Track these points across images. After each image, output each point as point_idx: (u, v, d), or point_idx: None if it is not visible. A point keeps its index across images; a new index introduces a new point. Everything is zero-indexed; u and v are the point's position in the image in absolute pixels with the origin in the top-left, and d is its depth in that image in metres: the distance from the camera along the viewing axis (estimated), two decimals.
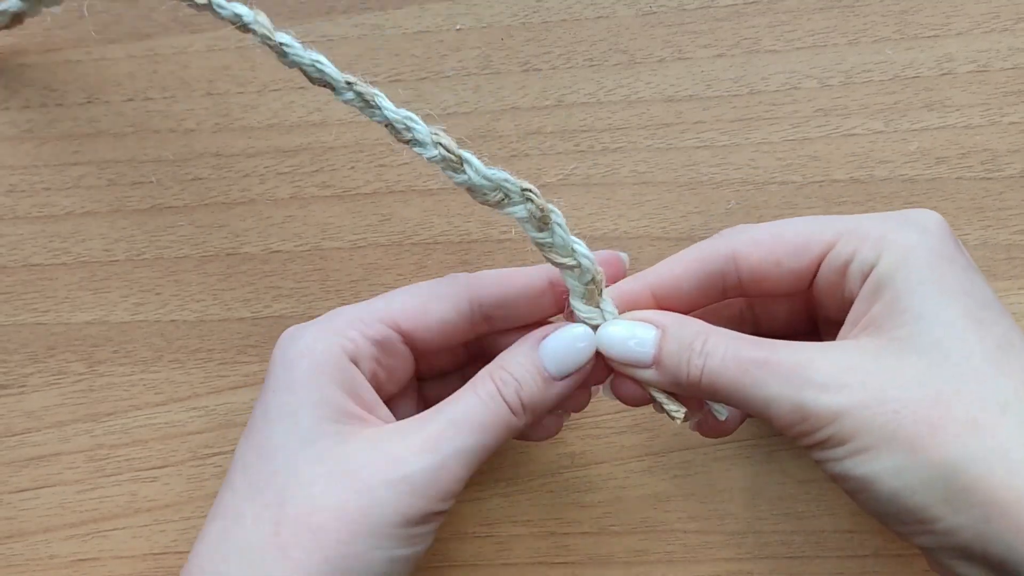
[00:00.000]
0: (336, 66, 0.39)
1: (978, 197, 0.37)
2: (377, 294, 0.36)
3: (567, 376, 0.29)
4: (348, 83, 0.28)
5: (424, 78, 0.39)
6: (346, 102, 0.28)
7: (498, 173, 0.27)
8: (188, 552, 0.37)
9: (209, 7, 0.29)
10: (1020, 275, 0.36)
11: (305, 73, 0.28)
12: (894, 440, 0.25)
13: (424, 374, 0.34)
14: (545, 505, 0.37)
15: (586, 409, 0.36)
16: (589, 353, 0.30)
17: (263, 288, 0.38)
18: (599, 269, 0.29)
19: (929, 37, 0.37)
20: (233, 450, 0.37)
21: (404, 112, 0.28)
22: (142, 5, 0.40)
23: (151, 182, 0.39)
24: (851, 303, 0.29)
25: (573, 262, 0.29)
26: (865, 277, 0.28)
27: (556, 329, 0.30)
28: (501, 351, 0.30)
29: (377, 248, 0.38)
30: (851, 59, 0.37)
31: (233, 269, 0.39)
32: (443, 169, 0.28)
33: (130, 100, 0.40)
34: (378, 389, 0.31)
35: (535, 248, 0.29)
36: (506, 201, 0.28)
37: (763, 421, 0.32)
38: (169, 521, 0.37)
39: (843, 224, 0.29)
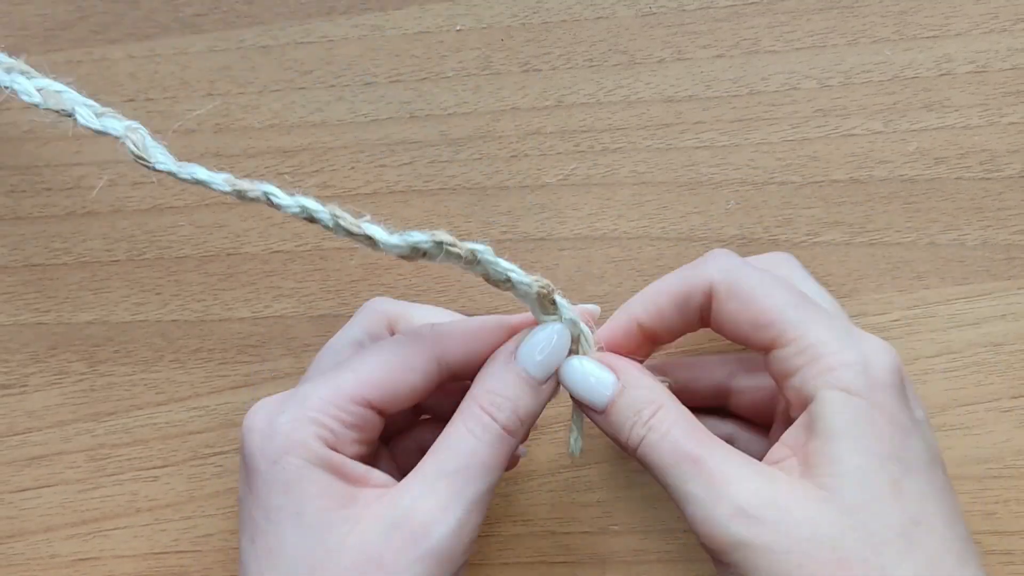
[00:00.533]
0: (336, 66, 0.39)
1: (977, 197, 0.37)
2: (377, 295, 0.36)
3: (550, 375, 0.30)
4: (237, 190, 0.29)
5: (424, 78, 0.39)
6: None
7: (408, 236, 0.27)
8: (189, 551, 0.37)
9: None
10: (1019, 275, 0.36)
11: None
12: None
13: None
14: (545, 504, 0.37)
15: None
16: (566, 346, 0.30)
17: (264, 288, 0.38)
18: (540, 282, 0.29)
19: (928, 38, 0.37)
20: (234, 450, 0.37)
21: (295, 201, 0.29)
22: (143, 6, 0.40)
23: (152, 182, 0.39)
24: (785, 409, 0.30)
25: (510, 285, 0.29)
26: (803, 402, 0.28)
27: (525, 336, 0.30)
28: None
29: None
30: (850, 59, 0.38)
31: (234, 269, 0.39)
32: (363, 246, 0.28)
33: (131, 100, 0.40)
34: (360, 458, 0.30)
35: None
36: (429, 256, 0.28)
37: None
38: (170, 521, 0.38)
39: (799, 329, 0.28)
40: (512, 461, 0.33)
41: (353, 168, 0.39)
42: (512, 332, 0.31)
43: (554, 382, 0.30)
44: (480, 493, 0.28)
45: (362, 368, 0.30)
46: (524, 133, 0.38)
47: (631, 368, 0.30)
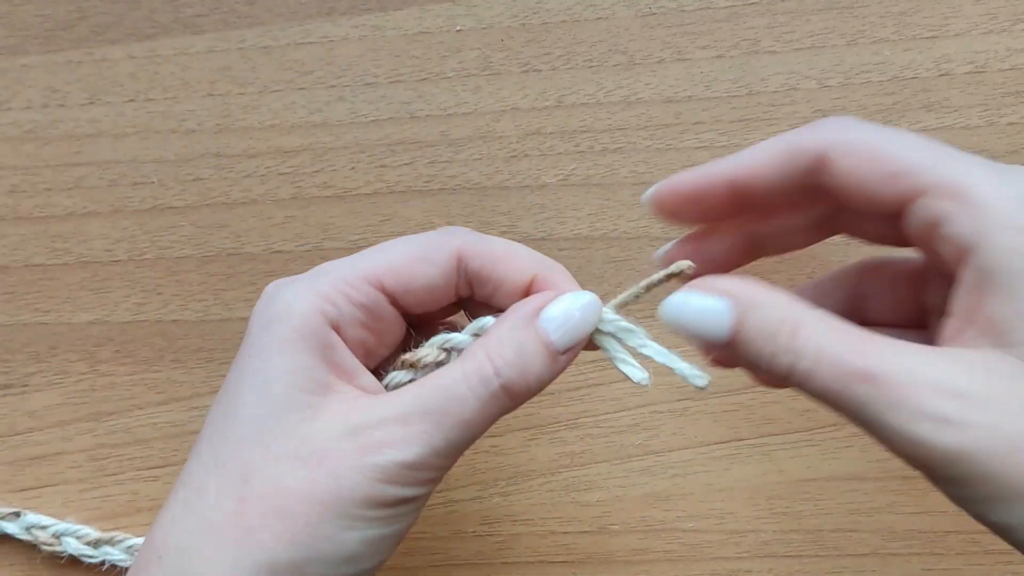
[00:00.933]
0: (336, 67, 0.39)
1: None
2: None
3: (572, 348, 0.27)
4: None
5: (424, 79, 0.39)
6: None
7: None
8: None
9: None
10: None
11: None
12: None
13: (421, 330, 0.31)
14: (545, 504, 0.37)
15: (586, 408, 0.37)
16: (595, 320, 0.28)
17: (264, 288, 0.38)
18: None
19: (927, 38, 0.37)
20: None
21: None
22: (144, 6, 0.40)
23: (152, 182, 0.39)
24: (944, 266, 0.25)
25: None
26: (962, 254, 0.24)
27: (550, 297, 0.28)
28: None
29: None
30: (850, 60, 0.38)
31: (234, 269, 0.39)
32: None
33: (131, 101, 0.40)
34: (368, 354, 0.29)
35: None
36: None
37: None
38: None
39: (938, 170, 0.24)
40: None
41: (353, 168, 0.39)
42: (544, 271, 0.29)
43: (573, 354, 0.28)
44: (451, 443, 0.26)
45: (380, 253, 0.29)
46: (524, 133, 0.38)
47: (747, 286, 0.25)
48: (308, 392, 0.27)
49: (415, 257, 0.28)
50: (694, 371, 0.27)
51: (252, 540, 0.25)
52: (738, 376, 0.37)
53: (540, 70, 0.39)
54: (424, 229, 0.38)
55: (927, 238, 0.25)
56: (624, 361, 0.29)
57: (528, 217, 0.38)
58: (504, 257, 0.29)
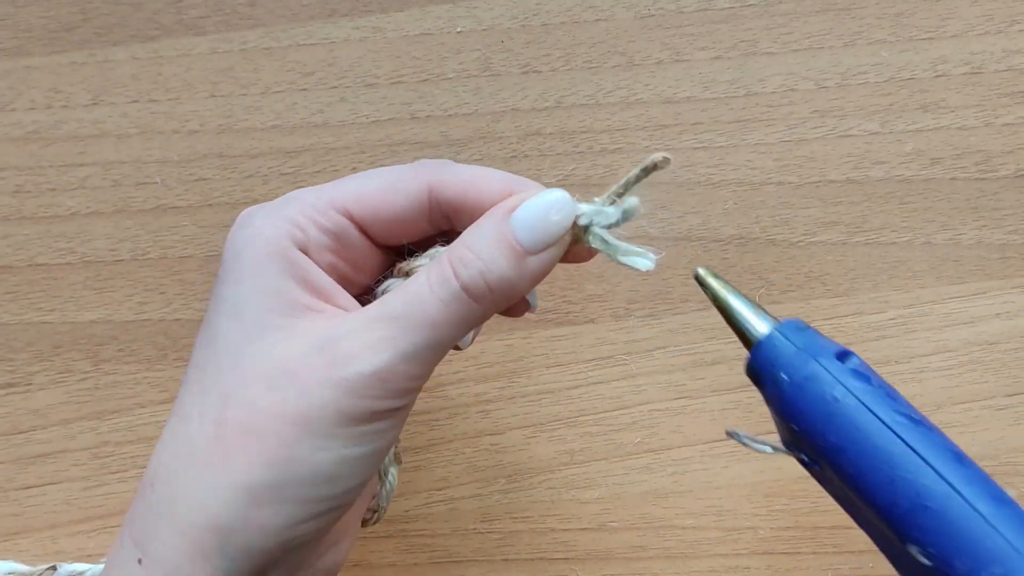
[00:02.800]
0: (337, 68, 0.40)
1: (972, 197, 0.37)
2: None
3: (542, 249, 0.26)
4: None
5: (425, 80, 0.39)
6: None
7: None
8: None
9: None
10: (1014, 274, 0.37)
11: None
12: None
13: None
14: (545, 501, 0.37)
15: (585, 407, 0.37)
16: (568, 219, 0.26)
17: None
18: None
19: (924, 39, 0.38)
20: None
21: None
22: (146, 8, 0.40)
23: (155, 183, 0.39)
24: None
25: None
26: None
27: (524, 198, 0.26)
28: None
29: None
30: (847, 61, 0.38)
31: None
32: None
33: (135, 102, 0.40)
34: (344, 280, 0.28)
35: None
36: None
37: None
38: None
39: None
40: (518, 308, 0.30)
41: (355, 168, 0.39)
42: (518, 188, 0.28)
43: (546, 258, 0.26)
44: (418, 346, 0.25)
45: (350, 181, 0.28)
46: (524, 134, 0.39)
47: None
48: (281, 314, 0.26)
49: (383, 187, 0.28)
50: (638, 254, 0.27)
51: (229, 464, 0.25)
52: (737, 375, 0.37)
53: (540, 71, 0.39)
54: None
55: None
56: (626, 252, 0.27)
57: None
58: (475, 181, 0.28)
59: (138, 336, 0.39)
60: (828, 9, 0.38)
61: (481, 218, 0.27)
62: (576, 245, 0.27)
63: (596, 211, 0.27)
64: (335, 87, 0.39)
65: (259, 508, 0.25)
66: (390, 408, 0.26)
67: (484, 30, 0.39)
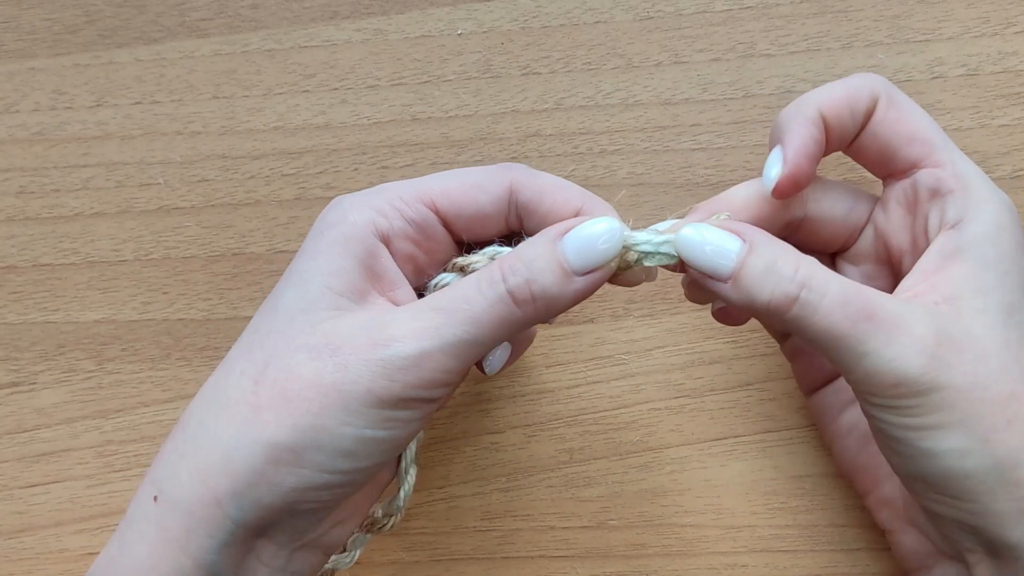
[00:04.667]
0: (339, 70, 0.40)
1: None
2: None
3: (589, 272, 0.28)
4: None
5: (426, 81, 0.39)
6: None
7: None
8: None
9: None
10: None
11: None
12: (973, 425, 0.26)
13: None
14: (545, 500, 0.37)
15: (585, 406, 0.37)
16: (615, 248, 0.28)
17: (268, 287, 0.39)
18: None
19: (920, 41, 0.38)
20: None
21: None
22: (150, 10, 0.41)
23: (159, 184, 0.40)
24: (916, 227, 0.30)
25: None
26: (946, 224, 0.28)
27: (581, 221, 0.28)
28: None
29: None
30: (844, 63, 0.38)
31: (239, 269, 0.39)
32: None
33: (138, 103, 0.40)
34: (418, 270, 0.31)
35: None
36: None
37: (826, 362, 0.33)
38: None
39: (953, 155, 0.30)
40: (524, 340, 0.33)
41: (356, 169, 0.39)
42: (588, 206, 0.30)
43: (591, 280, 0.28)
44: (459, 339, 0.27)
45: (438, 178, 0.30)
46: (524, 135, 0.39)
47: (756, 230, 0.28)
48: (342, 295, 0.28)
49: (470, 184, 0.30)
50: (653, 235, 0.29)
51: (258, 419, 0.26)
52: (736, 374, 0.37)
53: (540, 73, 0.39)
54: None
55: (922, 200, 0.30)
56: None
57: None
58: (551, 191, 0.30)
59: (142, 336, 0.39)
60: (825, 11, 0.38)
61: (538, 234, 0.28)
62: (634, 269, 0.29)
63: (649, 242, 0.29)
64: (336, 89, 0.40)
65: (276, 467, 0.26)
66: (419, 397, 0.27)
67: (484, 32, 0.40)
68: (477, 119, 0.39)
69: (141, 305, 0.39)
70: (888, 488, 0.32)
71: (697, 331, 0.37)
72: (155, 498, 0.27)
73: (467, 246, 0.31)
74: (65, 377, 0.39)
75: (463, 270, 0.30)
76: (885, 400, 0.27)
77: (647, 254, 0.29)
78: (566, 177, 0.38)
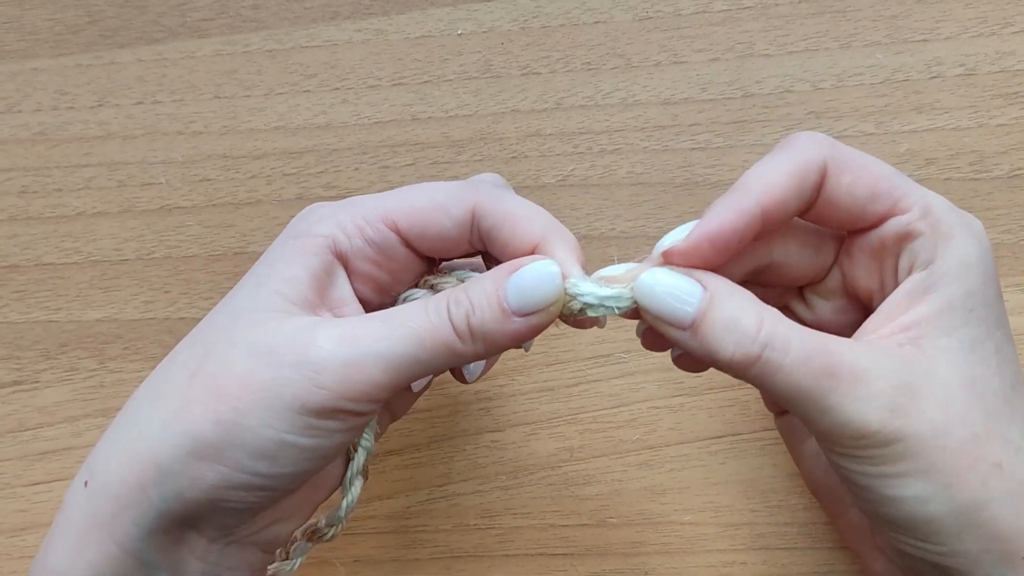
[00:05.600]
0: (340, 70, 0.40)
1: (967, 197, 0.37)
2: None
3: (527, 314, 0.27)
4: None
5: (427, 81, 0.40)
6: None
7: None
8: None
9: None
10: (1007, 273, 0.37)
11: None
12: (935, 472, 0.26)
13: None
14: (545, 498, 0.37)
15: (584, 404, 0.38)
16: (552, 296, 0.27)
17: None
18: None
19: (919, 41, 0.38)
20: None
21: None
22: (151, 11, 0.41)
23: (160, 183, 0.40)
24: (884, 271, 0.29)
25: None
26: (917, 267, 0.28)
27: (530, 261, 0.28)
28: None
29: None
30: (843, 63, 0.38)
31: (241, 268, 0.39)
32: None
33: (139, 103, 0.40)
34: (380, 289, 0.30)
35: None
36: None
37: (791, 416, 0.32)
38: None
39: (916, 195, 0.28)
40: (457, 373, 0.33)
41: (357, 169, 0.40)
42: (549, 239, 0.29)
43: (531, 322, 0.27)
44: (394, 352, 0.27)
45: (403, 196, 0.30)
46: (524, 135, 0.39)
47: (718, 278, 0.27)
48: (291, 302, 0.28)
49: (434, 206, 0.30)
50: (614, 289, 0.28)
51: (187, 411, 0.27)
52: None
53: (540, 73, 0.39)
54: None
55: (891, 248, 0.28)
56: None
57: None
58: (513, 220, 0.29)
59: (144, 335, 0.39)
60: (824, 12, 0.39)
61: (492, 270, 0.28)
62: (578, 316, 0.28)
63: (592, 295, 0.28)
64: (337, 89, 0.40)
65: (198, 461, 0.26)
66: (345, 409, 0.27)
67: (484, 32, 0.40)
68: (477, 119, 0.39)
69: (143, 304, 0.39)
70: (855, 514, 0.32)
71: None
72: (86, 483, 0.28)
73: (439, 261, 0.31)
74: (67, 376, 0.39)
75: (433, 288, 0.30)
76: (848, 450, 0.27)
77: (590, 305, 0.28)
78: (566, 176, 0.39)
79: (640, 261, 0.29)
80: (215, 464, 0.26)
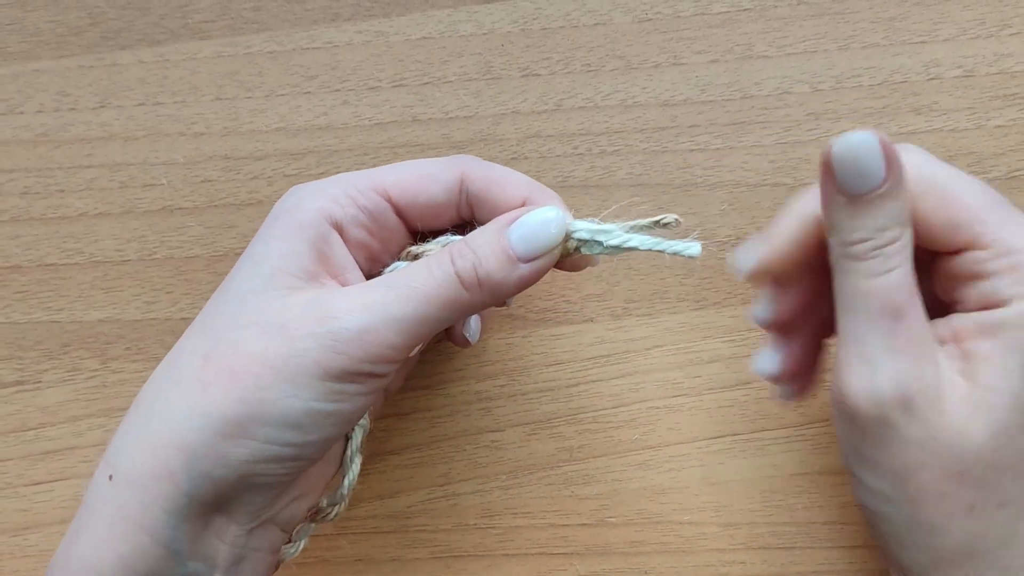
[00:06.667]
0: (341, 72, 0.40)
1: None
2: None
3: (533, 259, 0.29)
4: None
5: (427, 83, 0.40)
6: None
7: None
8: None
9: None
10: None
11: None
12: (909, 478, 0.26)
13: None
14: (545, 497, 0.38)
15: (584, 404, 0.38)
16: (558, 237, 0.29)
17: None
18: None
19: (917, 43, 0.38)
20: None
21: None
22: (153, 12, 0.41)
23: (162, 184, 0.40)
24: (956, 290, 0.28)
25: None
26: (986, 304, 0.27)
27: (528, 210, 0.29)
28: None
29: None
30: (841, 64, 0.38)
31: None
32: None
33: (141, 104, 0.41)
34: (371, 258, 0.31)
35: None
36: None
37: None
38: None
39: (1002, 232, 0.27)
40: (460, 338, 0.34)
41: (358, 170, 0.40)
42: (535, 196, 0.30)
43: (535, 267, 0.29)
44: (406, 314, 0.27)
45: (392, 168, 0.31)
46: (524, 136, 0.39)
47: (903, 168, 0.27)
48: (293, 276, 0.29)
49: (422, 174, 0.31)
50: (684, 244, 0.29)
51: (206, 393, 0.27)
52: (734, 373, 0.37)
53: (540, 74, 0.39)
54: None
55: (964, 281, 0.28)
56: (670, 244, 0.29)
57: None
58: (500, 181, 0.31)
59: (145, 335, 0.39)
60: (822, 13, 0.39)
61: (488, 223, 0.29)
62: (573, 256, 0.30)
63: (603, 230, 0.30)
64: (338, 90, 0.40)
65: (225, 440, 0.27)
66: (365, 372, 0.27)
67: (485, 34, 0.40)
68: (478, 120, 0.39)
69: (145, 305, 0.40)
70: None
71: (695, 330, 0.38)
72: (110, 477, 0.28)
73: (421, 236, 0.32)
74: (69, 376, 0.39)
75: (416, 257, 0.31)
76: (847, 414, 0.27)
77: (585, 242, 0.30)
78: (565, 178, 0.39)
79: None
80: (243, 440, 0.27)
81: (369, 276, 0.31)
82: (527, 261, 0.29)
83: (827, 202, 0.27)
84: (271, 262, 0.29)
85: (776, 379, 0.31)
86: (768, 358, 0.31)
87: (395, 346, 0.28)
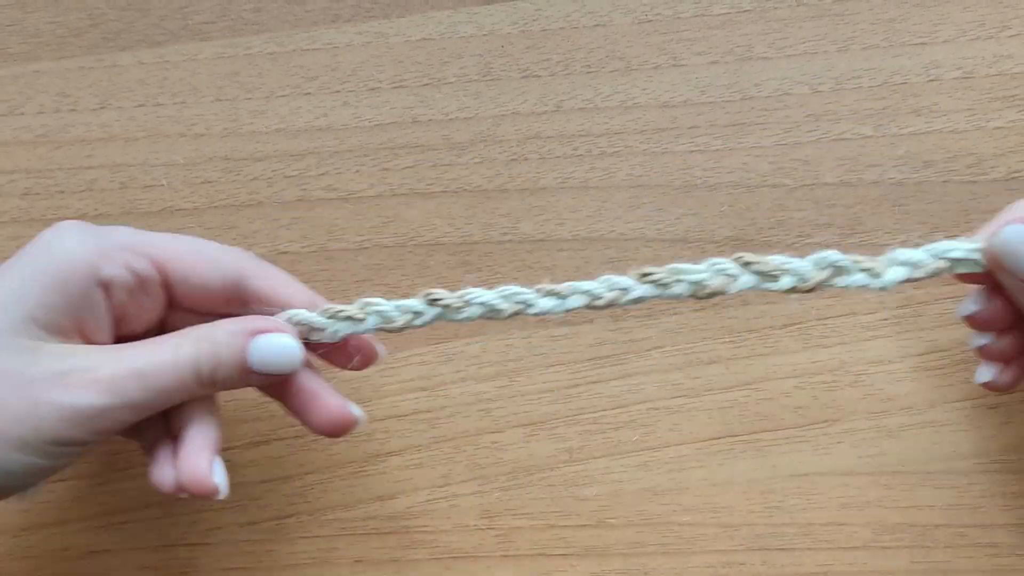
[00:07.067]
0: (341, 73, 0.40)
1: (964, 200, 0.38)
2: (381, 294, 0.37)
3: (268, 375, 0.30)
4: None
5: (427, 84, 0.40)
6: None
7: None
8: (198, 544, 0.38)
9: None
10: None
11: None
12: None
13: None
14: (544, 498, 0.38)
15: (584, 405, 0.38)
16: (293, 366, 0.30)
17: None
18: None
19: (916, 44, 0.38)
20: (241, 445, 0.38)
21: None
22: (153, 13, 0.41)
23: (162, 185, 0.40)
24: None
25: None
26: None
27: (272, 330, 0.30)
28: None
29: (381, 249, 0.39)
30: (841, 66, 0.38)
31: None
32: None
33: (141, 105, 0.41)
34: (121, 322, 0.31)
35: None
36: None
37: None
38: (180, 514, 0.38)
39: None
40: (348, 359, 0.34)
41: (358, 171, 0.40)
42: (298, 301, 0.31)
43: (270, 380, 0.31)
44: (145, 400, 0.28)
45: (171, 238, 0.31)
46: (524, 137, 0.39)
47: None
48: (43, 329, 0.28)
49: (203, 258, 0.31)
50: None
51: None
52: (733, 374, 0.37)
53: (539, 76, 0.40)
54: (426, 230, 0.39)
55: None
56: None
57: (527, 219, 0.39)
58: (279, 290, 0.31)
59: None
60: (822, 15, 0.39)
61: (238, 321, 0.30)
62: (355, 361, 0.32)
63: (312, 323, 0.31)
64: (338, 91, 0.40)
65: None
66: (92, 441, 0.29)
67: (485, 35, 0.40)
68: (478, 121, 0.40)
69: None
70: None
71: (695, 331, 0.38)
72: None
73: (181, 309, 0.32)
74: None
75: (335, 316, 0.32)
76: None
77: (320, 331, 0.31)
78: (565, 179, 0.39)
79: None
80: None
81: (117, 339, 0.31)
82: (258, 374, 0.30)
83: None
84: (24, 308, 0.28)
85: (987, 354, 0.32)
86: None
87: (126, 421, 0.29)
